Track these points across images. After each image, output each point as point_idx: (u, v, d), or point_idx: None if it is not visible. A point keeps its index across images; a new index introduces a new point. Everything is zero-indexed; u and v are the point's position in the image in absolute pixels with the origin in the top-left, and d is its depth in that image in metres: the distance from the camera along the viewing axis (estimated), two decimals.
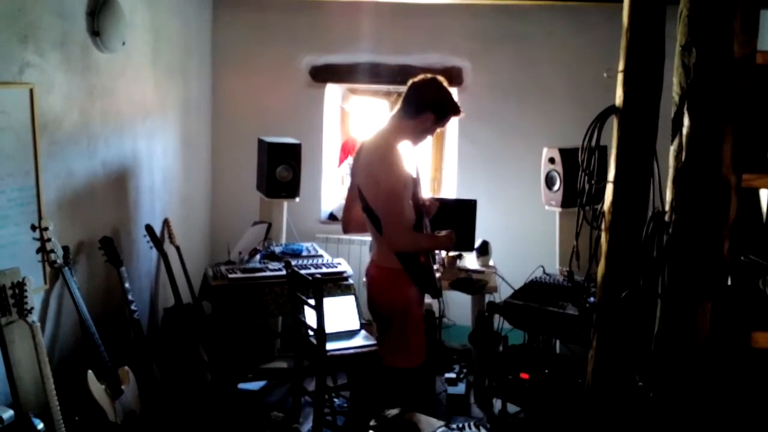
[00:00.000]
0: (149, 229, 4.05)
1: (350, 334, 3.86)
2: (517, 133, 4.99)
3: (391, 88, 5.24)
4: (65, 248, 3.24)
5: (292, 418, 3.79)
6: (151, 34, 4.20)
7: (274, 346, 4.68)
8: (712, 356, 1.88)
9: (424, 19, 4.95)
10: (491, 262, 4.42)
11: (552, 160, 4.25)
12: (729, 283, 1.94)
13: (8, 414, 2.61)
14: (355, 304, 4.01)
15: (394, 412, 2.85)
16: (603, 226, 2.44)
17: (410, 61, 5.00)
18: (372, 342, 3.76)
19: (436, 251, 3.46)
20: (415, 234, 3.08)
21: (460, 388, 4.23)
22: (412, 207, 3.05)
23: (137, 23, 3.99)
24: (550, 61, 4.91)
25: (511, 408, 3.64)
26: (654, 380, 2.04)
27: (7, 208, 2.94)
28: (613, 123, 2.41)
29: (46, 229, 3.06)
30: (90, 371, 3.11)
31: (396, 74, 5.03)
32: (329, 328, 3.54)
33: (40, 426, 2.64)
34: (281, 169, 4.44)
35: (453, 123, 3.29)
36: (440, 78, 3.11)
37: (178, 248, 4.29)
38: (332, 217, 5.38)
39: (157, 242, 4.08)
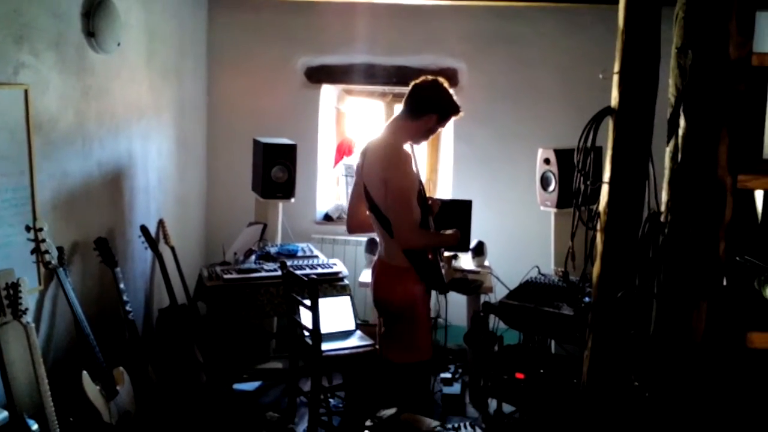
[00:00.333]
0: (144, 229, 4.04)
1: (346, 335, 3.86)
2: (513, 133, 5.00)
3: (387, 89, 5.25)
4: (60, 249, 3.23)
5: (287, 419, 3.79)
6: (146, 35, 4.19)
7: (269, 346, 4.67)
8: (708, 356, 1.88)
9: (419, 21, 4.95)
10: (487, 263, 4.43)
11: (547, 161, 4.26)
12: (724, 283, 1.95)
13: (3, 415, 2.61)
14: (350, 304, 4.01)
15: (389, 412, 2.85)
16: (598, 227, 2.44)
17: (405, 62, 5.01)
18: (368, 342, 3.77)
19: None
20: (423, 232, 3.19)
21: (456, 388, 4.24)
22: (417, 206, 3.13)
23: (132, 24, 3.98)
24: (545, 62, 4.93)
25: (507, 408, 3.65)
26: (650, 380, 2.05)
27: (1, 208, 2.93)
28: (609, 124, 2.42)
29: (41, 229, 3.05)
30: (85, 372, 3.10)
31: (391, 75, 5.04)
32: (324, 329, 3.54)
33: (35, 427, 2.63)
34: (276, 170, 4.44)
35: (448, 124, 3.33)
36: (441, 79, 3.20)
37: (173, 249, 4.28)
38: (327, 217, 5.38)
39: (152, 243, 4.07)
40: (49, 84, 3.21)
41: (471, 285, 4.04)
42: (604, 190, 2.41)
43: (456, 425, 2.77)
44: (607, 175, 2.40)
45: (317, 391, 3.57)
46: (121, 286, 3.58)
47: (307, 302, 3.44)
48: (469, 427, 2.76)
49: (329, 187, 5.52)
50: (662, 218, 1.97)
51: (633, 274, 2.22)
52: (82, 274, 3.57)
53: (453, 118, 3.26)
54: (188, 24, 4.89)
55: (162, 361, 3.76)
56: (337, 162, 5.44)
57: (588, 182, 2.57)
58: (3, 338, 2.62)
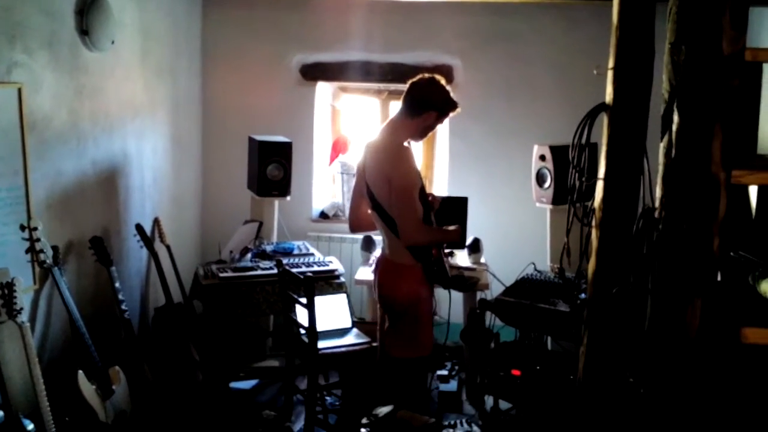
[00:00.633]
0: (139, 228, 4.03)
1: (342, 333, 3.86)
2: (508, 130, 5.00)
3: (382, 86, 5.24)
4: (55, 248, 3.22)
5: (283, 417, 3.79)
6: (141, 33, 4.18)
7: (265, 344, 4.67)
8: (703, 352, 1.89)
9: (414, 17, 4.95)
10: (483, 260, 4.43)
11: (543, 158, 4.26)
12: (719, 279, 1.95)
13: None
14: (346, 302, 4.01)
15: (386, 409, 2.85)
16: (593, 223, 2.45)
17: (401, 59, 5.00)
18: (364, 340, 3.77)
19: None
20: (427, 228, 3.24)
21: (452, 385, 4.24)
22: (420, 203, 3.17)
23: (126, 22, 3.97)
24: (540, 58, 4.92)
25: (503, 405, 3.65)
26: (645, 376, 2.05)
27: None
28: (604, 120, 2.42)
29: (35, 229, 3.04)
30: (80, 371, 3.10)
31: (387, 72, 5.03)
32: (321, 327, 3.54)
33: (30, 427, 2.63)
34: (272, 168, 4.43)
35: (445, 121, 3.35)
36: (437, 76, 3.27)
37: (168, 247, 4.27)
38: (323, 215, 5.37)
39: (148, 241, 4.06)
40: (42, 83, 3.20)
41: (467, 282, 4.03)
42: (599, 186, 2.42)
43: (452, 422, 2.77)
44: (602, 172, 2.41)
45: (314, 389, 3.56)
46: (117, 285, 3.57)
47: (304, 300, 3.44)
48: (465, 424, 2.77)
49: (325, 184, 5.51)
50: (656, 214, 1.97)
51: (628, 270, 2.22)
52: (78, 273, 3.56)
53: (451, 114, 3.31)
54: (182, 22, 4.88)
55: (158, 360, 3.75)
56: (332, 160, 5.43)
57: (583, 178, 2.58)
58: None
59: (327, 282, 4.05)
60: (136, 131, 4.20)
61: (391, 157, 3.15)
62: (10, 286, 2.70)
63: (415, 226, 3.13)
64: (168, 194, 4.71)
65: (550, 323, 3.27)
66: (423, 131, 3.28)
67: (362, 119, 5.57)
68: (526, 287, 3.50)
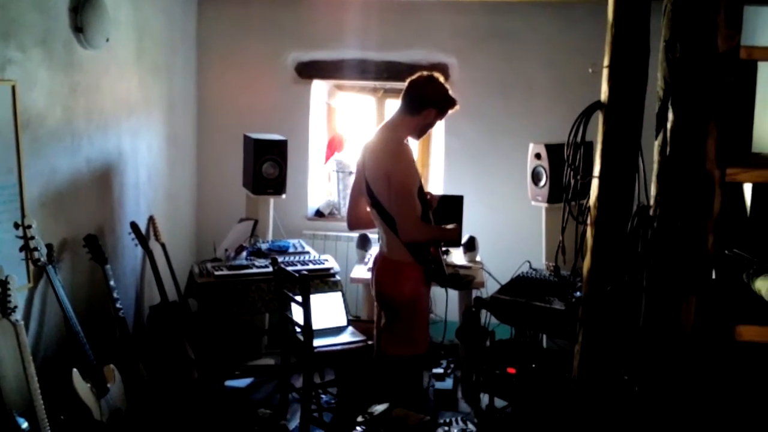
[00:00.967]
0: (134, 226, 4.02)
1: (337, 331, 3.86)
2: (504, 129, 5.00)
3: (378, 84, 5.23)
4: (49, 246, 3.21)
5: (279, 415, 3.78)
6: (135, 31, 4.17)
7: (261, 343, 4.66)
8: (697, 350, 1.89)
9: (410, 16, 4.94)
10: (478, 258, 4.44)
11: (538, 156, 4.26)
12: (713, 277, 1.95)
13: None
14: (342, 300, 4.01)
15: (381, 407, 2.85)
16: (588, 221, 2.45)
17: (396, 57, 5.00)
18: (359, 338, 3.77)
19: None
20: (426, 225, 3.27)
21: (448, 383, 4.24)
22: (419, 200, 3.19)
23: (121, 19, 3.96)
24: (535, 57, 4.92)
25: (499, 402, 3.65)
26: (639, 374, 2.05)
27: None
28: (599, 118, 2.42)
29: (30, 226, 3.03)
30: (75, 370, 3.09)
31: (382, 70, 5.03)
32: (316, 325, 3.54)
33: (25, 425, 2.62)
34: (267, 166, 4.42)
35: (443, 119, 3.37)
36: (436, 74, 3.29)
37: (163, 245, 4.26)
38: (319, 213, 5.37)
39: (143, 240, 4.05)
40: (36, 80, 3.19)
41: (463, 280, 4.03)
42: (594, 184, 2.42)
43: (448, 420, 2.77)
44: (597, 170, 2.41)
45: (309, 387, 3.56)
46: (112, 283, 3.56)
47: (299, 298, 3.44)
48: (461, 422, 2.77)
49: (320, 183, 5.51)
50: (651, 212, 1.97)
51: (623, 268, 2.22)
52: (72, 271, 3.55)
53: (450, 112, 3.33)
54: (178, 19, 4.86)
55: (153, 358, 3.75)
56: (328, 158, 5.43)
57: (578, 177, 2.58)
58: None
59: (322, 280, 4.04)
60: (131, 129, 4.18)
61: (391, 155, 3.16)
62: (4, 284, 2.70)
63: (414, 223, 3.15)
64: (163, 192, 4.70)
65: (546, 321, 3.27)
66: (422, 129, 3.30)
67: (358, 117, 5.56)
68: (521, 285, 3.50)
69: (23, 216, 3.06)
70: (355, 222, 3.50)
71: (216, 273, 3.91)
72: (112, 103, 3.92)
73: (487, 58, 4.97)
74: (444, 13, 4.92)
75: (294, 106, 5.17)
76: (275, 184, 4.47)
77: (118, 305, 3.56)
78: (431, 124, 3.33)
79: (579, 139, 2.53)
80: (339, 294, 4.03)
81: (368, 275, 3.79)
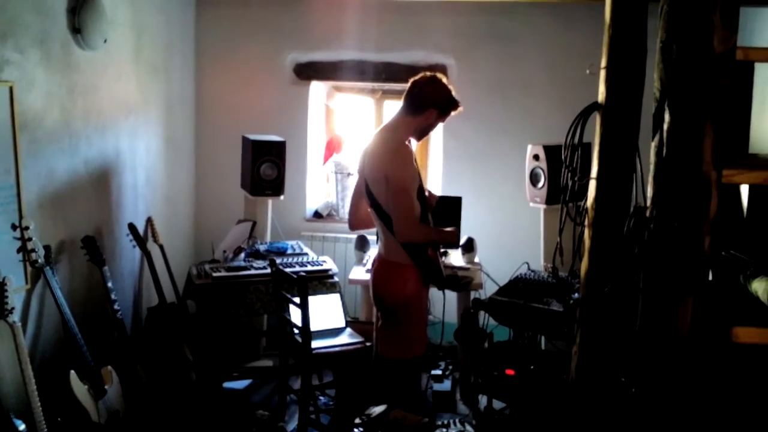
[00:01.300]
0: (132, 227, 4.02)
1: (336, 332, 3.86)
2: (502, 130, 5.00)
3: (376, 85, 5.23)
4: (47, 247, 3.20)
5: (277, 417, 3.78)
6: (133, 32, 4.17)
7: (259, 344, 4.66)
8: (694, 351, 1.89)
9: (408, 17, 4.94)
10: (476, 259, 4.43)
11: (536, 157, 4.26)
12: (710, 278, 1.95)
13: None
14: (340, 301, 4.01)
15: (379, 409, 2.85)
16: (586, 223, 2.45)
17: (395, 58, 5.00)
18: (358, 340, 3.77)
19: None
20: (424, 226, 3.23)
21: (446, 384, 4.24)
22: (417, 201, 3.17)
23: (119, 20, 3.96)
24: (534, 58, 4.92)
25: (497, 404, 3.65)
26: (636, 375, 2.05)
27: None
28: (596, 120, 2.42)
29: (27, 228, 3.03)
30: (72, 371, 3.09)
31: (381, 72, 5.03)
32: (314, 326, 3.53)
33: (22, 427, 2.62)
34: (266, 167, 4.42)
35: (445, 120, 3.35)
36: (439, 75, 3.25)
37: (161, 247, 4.26)
38: (317, 215, 5.37)
39: (141, 241, 4.05)
40: (34, 81, 3.19)
41: (461, 281, 4.04)
42: (592, 185, 2.42)
43: (446, 422, 2.77)
44: (594, 171, 2.41)
45: (307, 389, 3.56)
46: (109, 284, 3.56)
47: (297, 300, 3.43)
48: (459, 424, 2.76)
49: (319, 184, 5.51)
50: (648, 213, 1.97)
51: (620, 270, 2.22)
52: (70, 272, 3.55)
53: (452, 114, 3.30)
54: (176, 20, 4.86)
55: (151, 360, 3.74)
56: (326, 159, 5.42)
57: (576, 178, 2.58)
58: None
59: (321, 281, 4.04)
60: (129, 130, 4.18)
61: (391, 155, 3.14)
62: (1, 285, 2.69)
63: (412, 223, 3.12)
64: (161, 193, 4.69)
65: (544, 323, 3.27)
66: (423, 130, 3.27)
67: (356, 118, 5.56)
68: (519, 287, 3.50)
69: (21, 217, 3.06)
70: (356, 223, 3.48)
71: (214, 274, 3.91)
72: (110, 104, 3.92)
73: (485, 59, 4.97)
74: (442, 14, 4.92)
75: (292, 107, 5.17)
76: (273, 186, 4.47)
77: (116, 307, 3.55)
78: (432, 126, 3.29)
79: (576, 140, 2.53)
80: (337, 295, 4.03)
81: (367, 276, 3.79)
